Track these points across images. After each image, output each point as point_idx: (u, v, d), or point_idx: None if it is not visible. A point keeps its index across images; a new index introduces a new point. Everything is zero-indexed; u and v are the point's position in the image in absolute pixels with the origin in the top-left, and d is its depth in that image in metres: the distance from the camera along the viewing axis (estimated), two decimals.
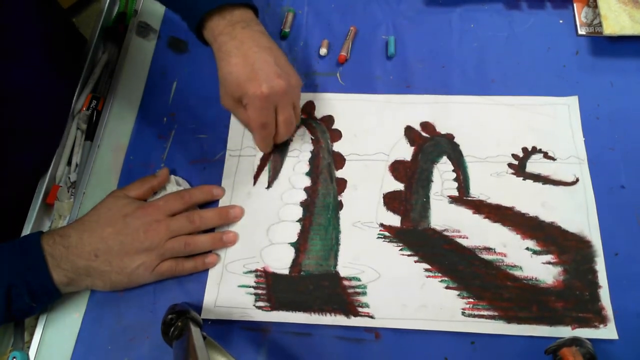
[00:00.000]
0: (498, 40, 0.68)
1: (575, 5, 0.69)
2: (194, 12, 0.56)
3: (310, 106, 0.66)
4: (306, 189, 0.61)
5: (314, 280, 0.56)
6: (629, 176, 0.59)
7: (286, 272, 0.57)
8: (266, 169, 0.62)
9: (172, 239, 0.55)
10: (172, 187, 0.60)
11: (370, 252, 0.57)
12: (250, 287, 0.56)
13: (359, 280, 0.56)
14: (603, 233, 0.56)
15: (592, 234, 0.56)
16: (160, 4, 0.70)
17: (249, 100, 0.55)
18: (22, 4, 0.61)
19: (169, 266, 0.55)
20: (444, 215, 0.58)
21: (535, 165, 0.60)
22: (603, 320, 0.52)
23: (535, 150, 0.61)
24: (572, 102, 0.63)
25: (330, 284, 0.56)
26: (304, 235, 0.58)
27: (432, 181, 0.60)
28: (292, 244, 0.58)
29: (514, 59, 0.66)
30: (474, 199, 0.59)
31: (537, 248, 0.56)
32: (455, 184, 0.60)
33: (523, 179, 0.59)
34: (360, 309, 0.54)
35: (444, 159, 0.61)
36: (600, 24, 0.64)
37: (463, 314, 0.53)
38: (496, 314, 0.53)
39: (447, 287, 0.55)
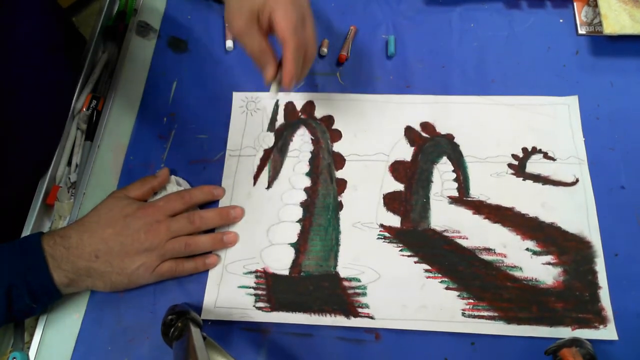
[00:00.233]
0: (498, 40, 0.67)
1: (575, 4, 0.68)
2: None
3: (310, 106, 0.66)
4: (306, 190, 0.61)
5: (314, 280, 0.56)
6: (629, 176, 0.59)
7: (286, 272, 0.57)
8: (266, 169, 0.62)
9: (172, 240, 0.55)
10: (172, 188, 0.60)
11: (370, 253, 0.57)
12: (250, 287, 0.56)
13: (359, 280, 0.56)
14: (603, 233, 0.56)
15: (592, 234, 0.56)
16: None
17: (275, 1, 0.49)
18: (22, 4, 0.60)
19: (169, 267, 0.56)
20: (444, 215, 0.58)
21: (535, 165, 0.60)
22: (603, 320, 0.52)
23: (535, 151, 0.61)
24: (572, 102, 0.63)
25: (330, 284, 0.56)
26: (304, 235, 0.58)
27: (432, 182, 0.60)
28: (292, 245, 0.58)
29: (514, 59, 0.66)
30: (474, 199, 0.59)
31: (537, 249, 0.56)
32: (455, 185, 0.60)
33: (523, 180, 0.59)
34: (360, 310, 0.54)
35: (444, 159, 0.61)
36: (600, 24, 0.64)
37: (463, 314, 0.53)
38: (496, 314, 0.53)
39: (447, 288, 0.55)
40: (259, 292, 0.56)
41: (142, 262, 0.54)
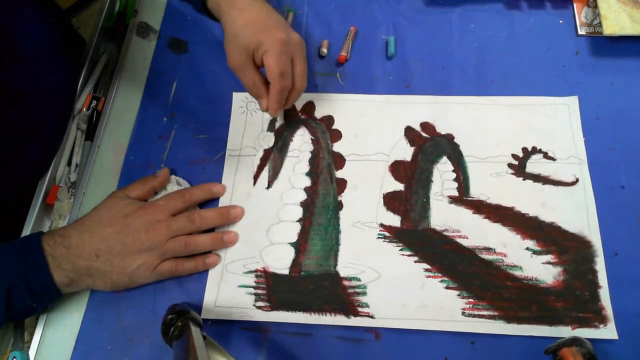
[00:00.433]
0: (498, 40, 0.68)
1: (575, 5, 0.69)
2: None
3: (310, 106, 0.66)
4: (306, 189, 0.61)
5: (314, 280, 0.56)
6: (629, 176, 0.59)
7: (286, 272, 0.57)
8: (266, 169, 0.63)
9: (172, 239, 0.55)
10: (172, 187, 0.60)
11: (370, 252, 0.57)
12: (250, 287, 0.56)
13: (359, 280, 0.56)
14: (603, 233, 0.56)
15: (592, 234, 0.56)
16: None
17: (269, 45, 0.54)
18: (21, 5, 0.61)
19: (170, 266, 0.56)
20: (444, 215, 0.58)
21: (535, 165, 0.60)
22: (603, 320, 0.52)
23: (535, 151, 0.61)
24: (572, 102, 0.63)
25: (330, 284, 0.56)
26: (304, 235, 0.58)
27: (432, 181, 0.60)
28: (292, 244, 0.58)
29: (514, 59, 0.66)
30: (474, 199, 0.59)
31: (537, 248, 0.56)
32: (455, 184, 0.60)
33: (523, 179, 0.59)
34: (360, 309, 0.54)
35: (444, 159, 0.61)
36: (600, 24, 0.64)
37: (463, 314, 0.53)
38: (496, 314, 0.53)
39: (447, 287, 0.55)
40: (259, 291, 0.56)
41: (143, 261, 0.54)
